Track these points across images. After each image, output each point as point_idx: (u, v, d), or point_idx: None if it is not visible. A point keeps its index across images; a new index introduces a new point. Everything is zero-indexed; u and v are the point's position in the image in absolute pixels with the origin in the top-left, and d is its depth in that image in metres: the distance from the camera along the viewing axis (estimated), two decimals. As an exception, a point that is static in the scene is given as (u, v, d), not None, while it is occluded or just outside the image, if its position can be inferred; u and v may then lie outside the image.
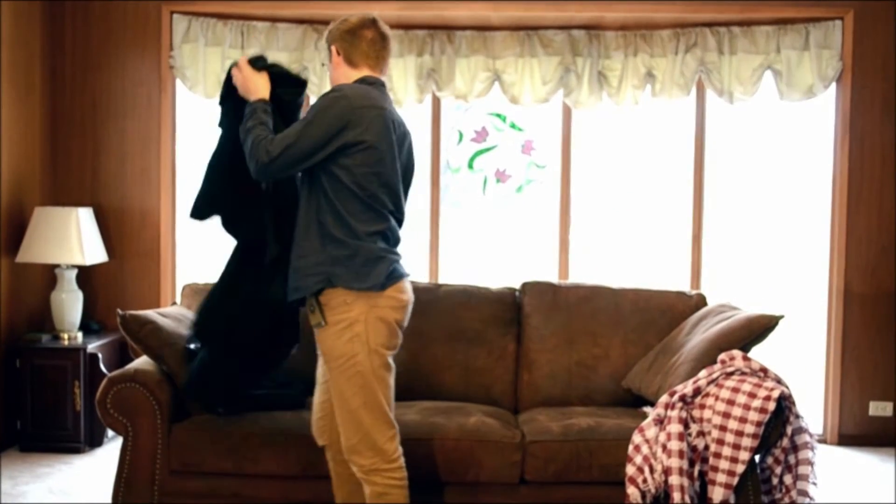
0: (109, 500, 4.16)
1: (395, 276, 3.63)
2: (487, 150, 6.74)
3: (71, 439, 5.73)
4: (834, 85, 6.14)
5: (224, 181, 3.93)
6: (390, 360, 3.66)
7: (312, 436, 3.92)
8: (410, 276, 3.74)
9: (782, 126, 6.60)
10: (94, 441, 5.82)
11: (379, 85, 3.76)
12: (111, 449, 5.76)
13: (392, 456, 3.63)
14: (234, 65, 3.83)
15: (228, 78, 3.88)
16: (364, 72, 3.78)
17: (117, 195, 6.28)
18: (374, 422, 3.60)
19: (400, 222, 3.77)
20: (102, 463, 5.53)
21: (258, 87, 3.76)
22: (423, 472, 4.05)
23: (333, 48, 3.80)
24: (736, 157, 6.64)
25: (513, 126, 6.75)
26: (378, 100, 3.67)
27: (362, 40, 3.77)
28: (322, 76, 6.16)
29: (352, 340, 3.57)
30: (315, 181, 3.64)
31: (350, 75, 3.78)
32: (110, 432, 5.88)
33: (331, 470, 3.94)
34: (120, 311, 4.29)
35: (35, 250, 5.76)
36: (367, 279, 3.56)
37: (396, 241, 3.72)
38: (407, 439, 4.04)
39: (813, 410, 6.16)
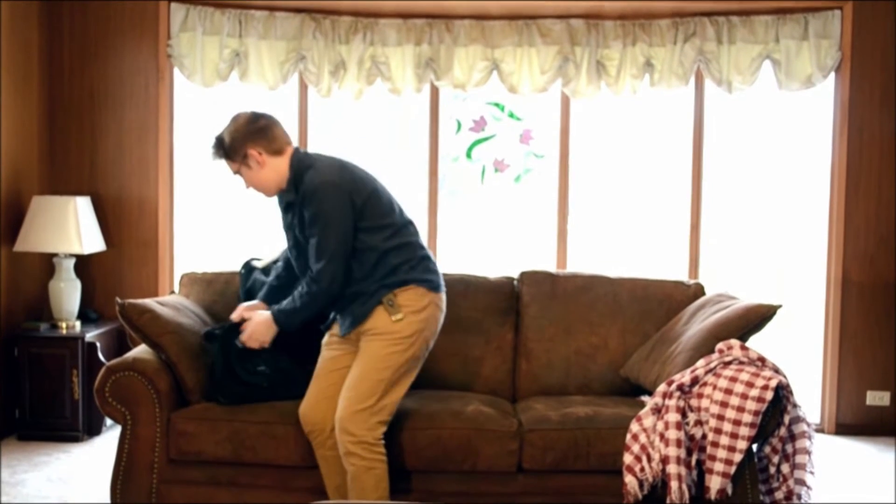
0: (108, 489, 4.16)
1: (441, 286, 4.07)
2: (486, 139, 6.74)
3: (69, 428, 5.73)
4: (833, 75, 6.13)
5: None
6: (423, 357, 4.03)
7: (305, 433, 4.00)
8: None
9: (781, 116, 6.59)
10: (93, 430, 5.83)
11: (304, 151, 4.05)
12: (110, 437, 5.77)
13: (379, 436, 3.89)
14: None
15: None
16: (288, 151, 3.98)
17: (115, 184, 6.27)
18: (386, 399, 3.89)
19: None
20: (101, 451, 5.54)
21: (262, 326, 4.05)
22: (421, 460, 4.06)
23: (252, 152, 3.92)
24: (734, 146, 6.64)
25: (511, 115, 6.75)
26: (331, 159, 4.02)
27: (273, 128, 3.98)
28: (320, 64, 6.15)
29: (411, 323, 3.91)
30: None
31: (280, 164, 3.97)
32: (109, 421, 5.89)
33: (319, 458, 4.01)
34: (119, 300, 4.29)
35: (33, 239, 5.76)
36: (434, 276, 4.02)
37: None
38: (405, 428, 4.07)
39: (810, 400, 6.17)
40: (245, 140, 3.91)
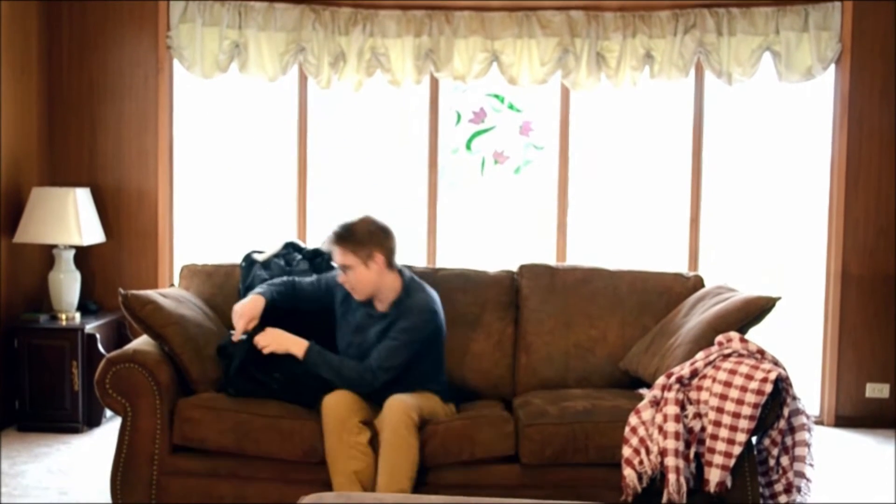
0: (108, 480, 4.17)
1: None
2: (485, 131, 6.73)
3: (69, 419, 5.74)
4: (833, 67, 6.12)
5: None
6: None
7: (328, 420, 4.07)
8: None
9: (781, 108, 6.58)
10: (93, 421, 5.84)
11: (411, 274, 4.38)
12: (110, 429, 5.78)
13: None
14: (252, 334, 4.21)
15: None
16: (394, 269, 4.27)
17: (115, 176, 6.27)
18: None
19: None
20: (101, 443, 5.55)
21: (290, 340, 4.17)
22: (421, 454, 4.06)
23: (378, 256, 4.18)
24: (734, 138, 6.63)
25: (511, 107, 6.74)
26: (434, 293, 4.34)
27: (396, 244, 4.26)
28: (320, 56, 6.13)
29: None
30: None
31: (388, 278, 4.24)
32: (108, 412, 5.89)
33: (346, 444, 4.04)
34: (122, 291, 4.29)
35: (32, 231, 5.75)
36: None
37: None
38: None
39: (810, 392, 6.17)
40: (379, 243, 4.19)
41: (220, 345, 4.34)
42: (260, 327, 4.25)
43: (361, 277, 4.20)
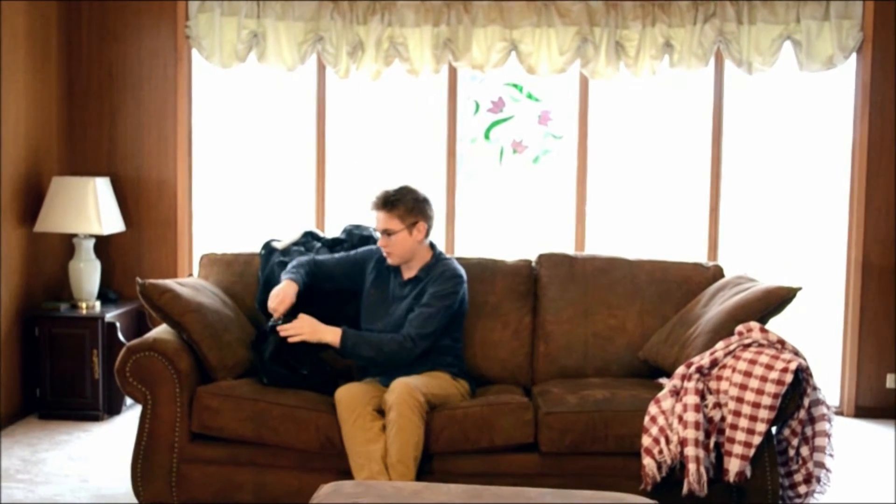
0: (129, 467, 4.19)
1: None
2: (504, 120, 6.72)
3: (89, 407, 5.77)
4: (854, 56, 6.08)
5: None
6: None
7: (342, 410, 4.09)
8: None
9: (801, 97, 6.54)
10: (113, 409, 5.87)
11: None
12: (130, 417, 5.81)
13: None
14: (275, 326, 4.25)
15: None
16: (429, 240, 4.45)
17: (134, 165, 6.29)
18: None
19: None
20: (121, 430, 5.58)
21: (323, 329, 4.23)
22: (439, 441, 4.07)
23: (421, 225, 4.32)
24: (754, 128, 6.59)
25: (529, 96, 6.72)
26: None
27: (433, 212, 4.42)
28: (338, 45, 6.13)
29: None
30: None
31: (423, 247, 4.41)
32: (128, 400, 5.92)
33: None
34: (139, 280, 4.31)
35: (53, 220, 5.78)
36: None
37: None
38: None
39: (830, 382, 6.14)
40: (424, 213, 4.36)
41: (251, 341, 4.37)
42: (293, 314, 4.28)
43: (403, 243, 4.33)
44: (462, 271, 4.44)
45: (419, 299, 4.34)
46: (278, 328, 4.22)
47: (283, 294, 4.33)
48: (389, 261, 4.40)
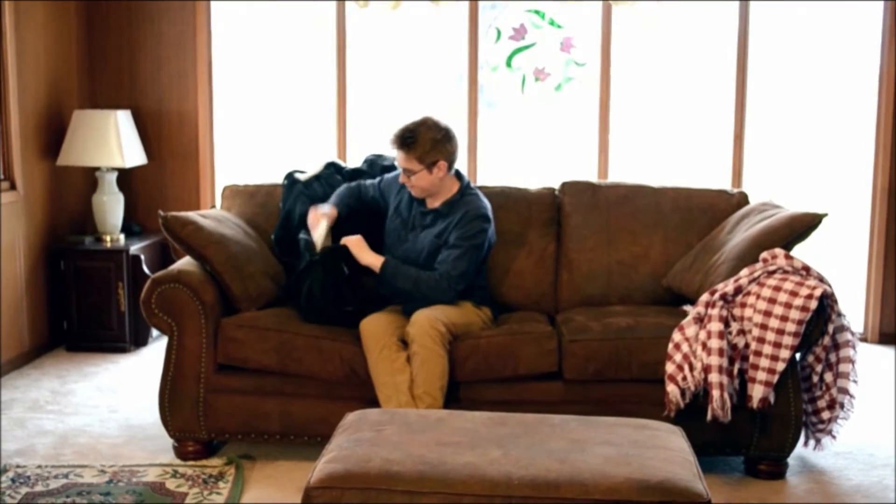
0: (156, 398, 4.24)
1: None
2: (526, 48, 6.64)
3: (116, 339, 5.83)
4: (883, -23, 5.97)
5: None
6: None
7: (367, 341, 4.12)
8: None
9: (828, 23, 6.43)
10: (139, 341, 5.93)
11: (467, 178, 4.45)
12: (156, 348, 5.86)
13: None
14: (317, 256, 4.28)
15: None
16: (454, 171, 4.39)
17: (154, 97, 6.28)
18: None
19: None
20: (148, 362, 5.64)
21: (369, 252, 4.31)
22: (463, 370, 4.09)
23: (441, 163, 4.25)
24: (780, 54, 6.50)
25: (551, 23, 6.63)
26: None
27: (457, 147, 4.33)
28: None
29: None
30: None
31: (448, 181, 4.35)
32: (155, 332, 5.97)
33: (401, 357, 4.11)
34: (161, 213, 4.32)
35: (75, 153, 5.79)
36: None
37: None
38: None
39: (854, 309, 6.12)
40: (442, 151, 4.26)
41: (295, 275, 4.38)
42: (335, 247, 4.35)
43: (423, 181, 4.30)
44: (487, 209, 4.38)
45: (441, 236, 4.31)
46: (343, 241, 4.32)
47: (321, 214, 4.40)
48: (413, 193, 4.39)
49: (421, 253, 4.34)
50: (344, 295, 4.27)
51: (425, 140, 4.23)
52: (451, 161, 4.31)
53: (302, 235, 4.43)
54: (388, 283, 4.29)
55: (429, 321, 4.07)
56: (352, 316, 4.24)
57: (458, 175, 4.43)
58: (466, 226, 4.27)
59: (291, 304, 4.37)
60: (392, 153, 4.41)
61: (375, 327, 4.13)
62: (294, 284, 4.36)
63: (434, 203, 4.40)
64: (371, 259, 4.30)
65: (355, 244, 4.32)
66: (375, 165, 4.85)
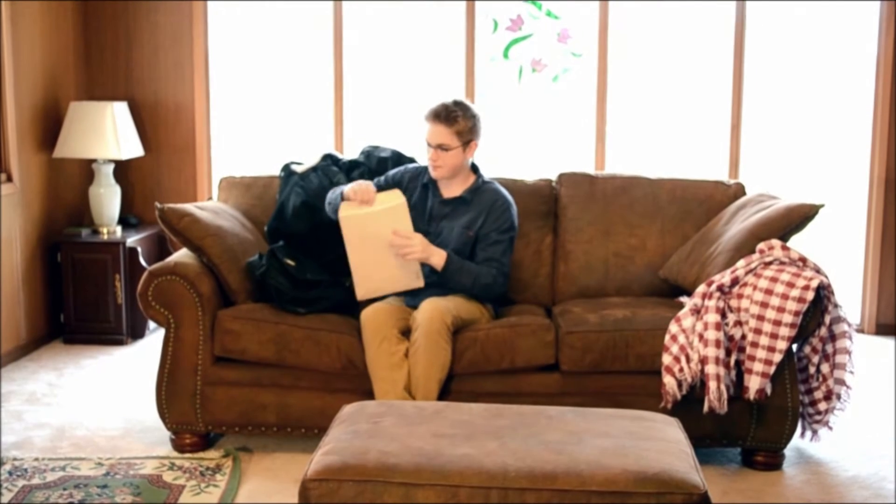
0: (153, 390, 4.23)
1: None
2: (523, 38, 6.63)
3: (113, 331, 5.83)
4: (880, -33, 5.96)
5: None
6: None
7: (367, 331, 4.10)
8: None
9: (826, 13, 6.42)
10: (136, 333, 5.92)
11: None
12: (153, 340, 5.86)
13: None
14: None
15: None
16: None
17: (151, 89, 6.26)
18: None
19: None
20: (145, 354, 5.63)
21: (433, 249, 4.19)
22: (461, 362, 4.09)
23: (475, 144, 4.29)
24: (777, 43, 6.49)
25: (549, 14, 6.62)
26: None
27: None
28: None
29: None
30: None
31: (465, 167, 4.34)
32: (152, 324, 5.97)
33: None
34: (158, 204, 4.31)
35: (71, 145, 5.78)
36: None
37: None
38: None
39: (851, 300, 6.14)
40: (477, 133, 4.30)
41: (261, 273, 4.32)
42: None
43: (454, 159, 4.26)
44: (510, 196, 4.41)
45: (472, 226, 4.29)
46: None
47: (367, 186, 4.25)
48: (435, 174, 4.31)
49: (447, 245, 4.28)
50: (315, 280, 4.28)
51: (468, 117, 4.24)
52: (477, 145, 4.33)
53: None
54: (448, 278, 4.23)
55: (438, 314, 4.04)
56: (344, 290, 4.27)
57: (473, 165, 4.43)
58: (500, 217, 4.31)
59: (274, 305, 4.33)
60: (391, 143, 4.39)
61: (377, 318, 4.11)
62: (264, 291, 4.32)
63: (451, 192, 4.36)
64: (436, 258, 4.20)
65: (419, 246, 4.16)
66: (372, 157, 4.84)
